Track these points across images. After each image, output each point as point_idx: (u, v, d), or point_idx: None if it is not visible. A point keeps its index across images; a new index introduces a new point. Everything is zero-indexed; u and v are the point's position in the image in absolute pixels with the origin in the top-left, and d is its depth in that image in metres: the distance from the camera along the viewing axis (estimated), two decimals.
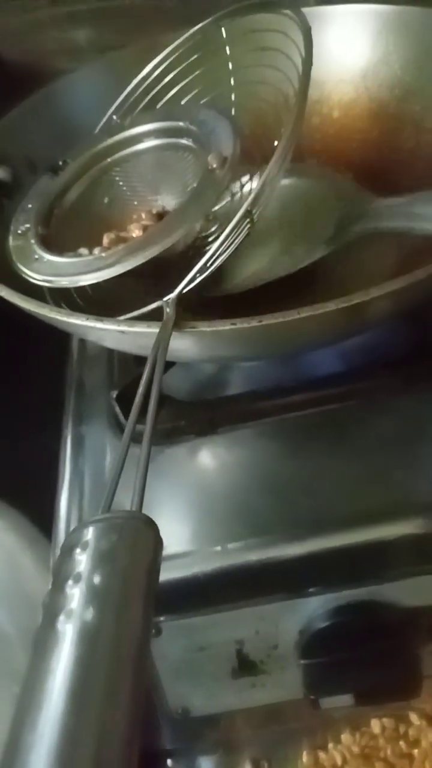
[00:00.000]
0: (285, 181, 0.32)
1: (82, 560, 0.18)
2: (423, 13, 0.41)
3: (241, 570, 0.31)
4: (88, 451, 0.38)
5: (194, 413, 0.37)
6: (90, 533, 0.19)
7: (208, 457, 0.36)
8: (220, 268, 0.29)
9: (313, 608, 0.33)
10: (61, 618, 0.17)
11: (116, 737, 0.16)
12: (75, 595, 0.18)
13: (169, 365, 0.38)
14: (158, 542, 0.20)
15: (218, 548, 0.32)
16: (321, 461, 0.34)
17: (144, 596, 0.18)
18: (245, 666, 0.35)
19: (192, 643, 0.34)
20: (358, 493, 0.33)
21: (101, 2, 0.57)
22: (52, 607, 0.18)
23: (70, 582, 0.18)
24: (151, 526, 0.20)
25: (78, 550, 0.19)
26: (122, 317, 0.26)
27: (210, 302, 0.29)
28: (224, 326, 0.25)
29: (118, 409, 0.37)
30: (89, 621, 0.17)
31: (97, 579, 0.18)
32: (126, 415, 0.37)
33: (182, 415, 0.37)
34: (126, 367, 0.41)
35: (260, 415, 0.37)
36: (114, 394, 0.37)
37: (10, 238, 0.34)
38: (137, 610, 0.18)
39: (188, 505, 0.34)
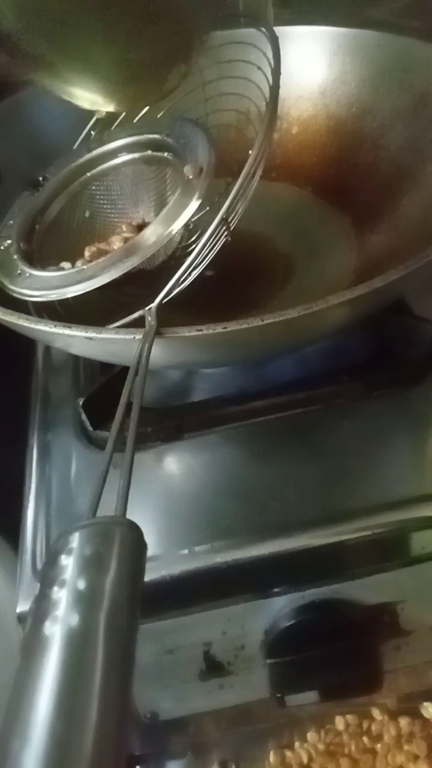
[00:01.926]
0: None
1: (68, 566, 0.19)
2: (377, 37, 0.43)
3: (208, 572, 0.32)
4: (55, 459, 0.38)
5: (161, 420, 0.38)
6: (75, 539, 0.19)
7: (175, 463, 0.37)
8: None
9: (278, 608, 0.34)
10: (47, 623, 0.17)
11: (105, 741, 0.16)
12: (61, 600, 0.18)
13: None
14: (142, 546, 0.20)
15: (185, 551, 0.32)
16: (285, 465, 0.35)
17: (129, 600, 0.18)
18: (213, 667, 0.35)
19: (160, 647, 0.34)
20: (321, 495, 0.34)
21: None
22: (39, 612, 0.18)
23: (55, 588, 0.18)
24: (135, 530, 0.20)
25: (63, 556, 0.19)
26: (107, 327, 0.27)
27: (174, 309, 0.29)
28: (191, 332, 0.25)
29: (84, 417, 0.38)
30: (75, 626, 0.17)
31: (81, 584, 0.18)
32: (92, 422, 0.38)
33: (149, 422, 0.37)
34: (92, 376, 0.41)
35: (226, 420, 0.38)
36: (81, 401, 0.38)
37: None
38: (123, 614, 0.18)
39: (155, 509, 0.35)
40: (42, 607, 0.18)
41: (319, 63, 0.44)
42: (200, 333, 0.25)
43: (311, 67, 0.44)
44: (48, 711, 0.16)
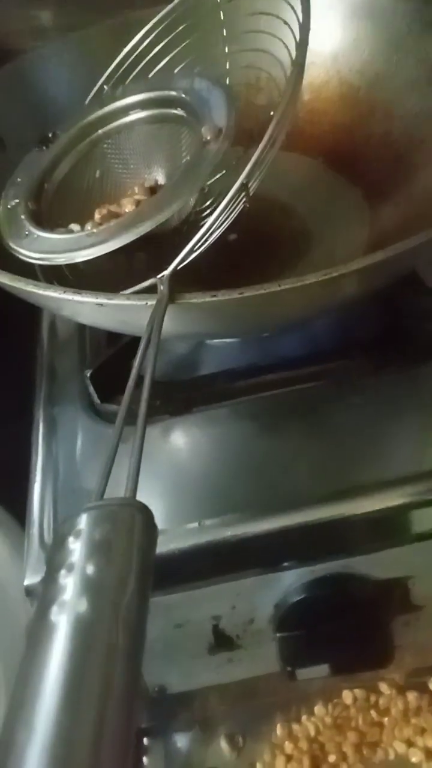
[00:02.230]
0: None
1: (76, 549, 0.18)
2: (394, 1, 0.42)
3: (218, 546, 0.32)
4: (61, 434, 0.38)
5: (169, 393, 0.37)
6: (83, 521, 0.18)
7: (184, 437, 0.37)
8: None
9: (288, 582, 0.33)
10: (54, 609, 0.17)
11: (113, 732, 0.15)
12: (68, 585, 0.17)
13: None
14: (153, 529, 0.19)
15: (195, 525, 0.32)
16: (295, 439, 0.35)
17: (139, 585, 0.18)
18: (222, 642, 0.35)
19: (169, 621, 0.34)
20: (331, 469, 0.34)
21: None
22: (45, 597, 0.17)
23: (63, 572, 0.18)
24: (146, 513, 0.19)
25: (71, 539, 0.18)
26: (118, 294, 0.26)
27: (183, 277, 0.28)
28: (205, 298, 0.25)
29: (92, 389, 0.37)
30: (83, 612, 0.17)
31: (90, 569, 0.17)
32: (100, 394, 0.37)
33: (157, 395, 0.37)
34: (98, 348, 0.41)
35: (234, 394, 0.37)
36: (88, 373, 0.37)
37: (0, 214, 0.32)
38: (132, 600, 0.17)
39: (164, 483, 0.34)
40: (49, 591, 0.17)
41: (333, 27, 0.43)
42: (215, 299, 0.25)
43: (324, 32, 0.43)
44: (54, 702, 0.15)
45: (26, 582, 0.31)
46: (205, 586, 0.33)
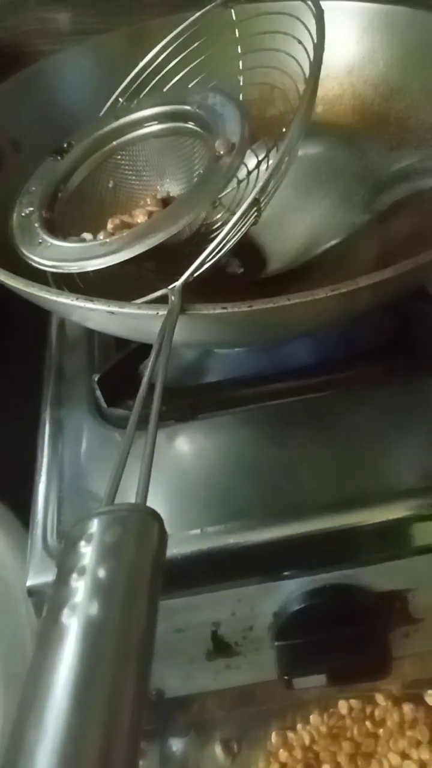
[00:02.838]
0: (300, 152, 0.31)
1: (87, 553, 0.18)
2: (409, 14, 0.42)
3: (219, 553, 0.32)
4: (67, 436, 0.38)
5: (175, 399, 0.37)
6: (95, 526, 0.19)
7: (189, 443, 0.37)
8: (258, 251, 0.28)
9: (289, 591, 0.34)
10: (66, 611, 0.17)
11: (122, 734, 0.15)
12: (79, 588, 0.17)
13: (150, 350, 0.39)
14: (163, 535, 0.19)
15: (197, 531, 0.32)
16: (300, 448, 0.35)
17: (149, 590, 0.18)
18: (220, 648, 0.35)
19: (169, 625, 0.34)
20: (336, 479, 0.34)
21: None
22: (56, 600, 0.18)
23: (74, 575, 0.18)
24: (156, 518, 0.20)
25: (82, 543, 0.18)
26: (129, 303, 0.26)
27: (202, 289, 0.29)
28: (215, 310, 0.25)
29: (99, 393, 0.37)
30: (94, 615, 0.17)
31: (102, 572, 0.18)
32: (108, 400, 0.38)
33: (164, 401, 0.36)
34: (107, 352, 0.41)
35: (241, 402, 0.37)
36: (96, 378, 0.37)
37: (13, 221, 0.33)
38: (142, 604, 0.18)
39: (168, 489, 0.34)
40: (60, 594, 0.18)
41: (347, 40, 0.43)
42: (224, 311, 0.25)
43: (339, 45, 0.43)
44: (64, 702, 0.15)
45: (29, 583, 0.32)
46: (206, 593, 0.33)
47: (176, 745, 0.40)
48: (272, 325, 0.28)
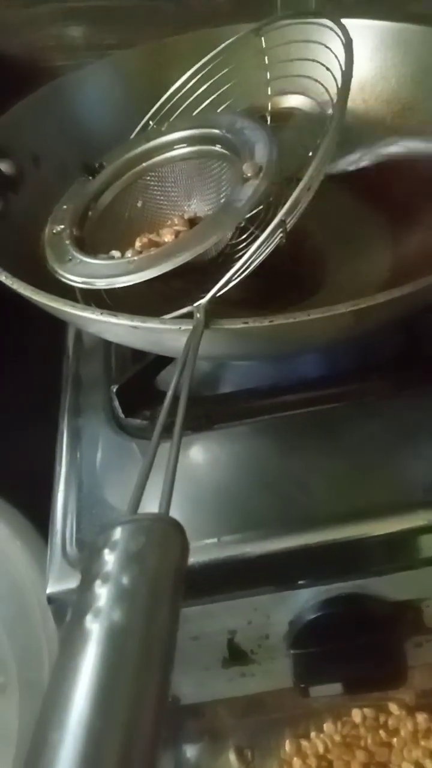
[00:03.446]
0: None
1: (111, 560, 0.19)
2: (421, 31, 0.43)
3: (236, 562, 0.32)
4: (85, 445, 0.39)
5: (191, 409, 0.38)
6: (118, 534, 0.19)
7: (204, 453, 0.37)
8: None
9: (304, 600, 0.34)
10: (89, 617, 0.17)
11: (142, 738, 0.16)
12: (103, 594, 0.18)
13: (167, 362, 0.39)
14: (185, 545, 0.20)
15: (214, 540, 0.33)
16: (315, 459, 0.36)
17: (171, 598, 0.19)
18: (236, 656, 0.36)
19: (185, 633, 0.34)
20: (349, 490, 0.34)
21: (100, 2, 0.57)
22: (80, 605, 0.18)
23: (98, 581, 0.18)
24: (179, 529, 0.20)
25: (107, 551, 0.19)
26: (151, 318, 0.27)
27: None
28: (236, 325, 0.26)
29: (117, 404, 0.38)
30: (117, 621, 0.17)
31: (125, 579, 0.18)
32: (125, 410, 0.38)
33: (175, 411, 0.38)
34: (123, 363, 0.42)
35: (255, 413, 0.38)
36: (114, 388, 0.38)
37: (45, 238, 0.34)
38: (164, 612, 0.18)
39: (184, 498, 0.35)
40: (84, 600, 0.18)
41: (359, 58, 0.44)
42: (246, 326, 0.26)
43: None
44: (87, 705, 0.16)
45: (49, 590, 0.32)
46: (222, 601, 0.33)
47: (190, 751, 0.40)
48: (292, 339, 0.28)
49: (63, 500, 0.36)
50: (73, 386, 0.42)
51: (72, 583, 0.32)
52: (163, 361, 0.39)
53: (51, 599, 0.32)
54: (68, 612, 0.19)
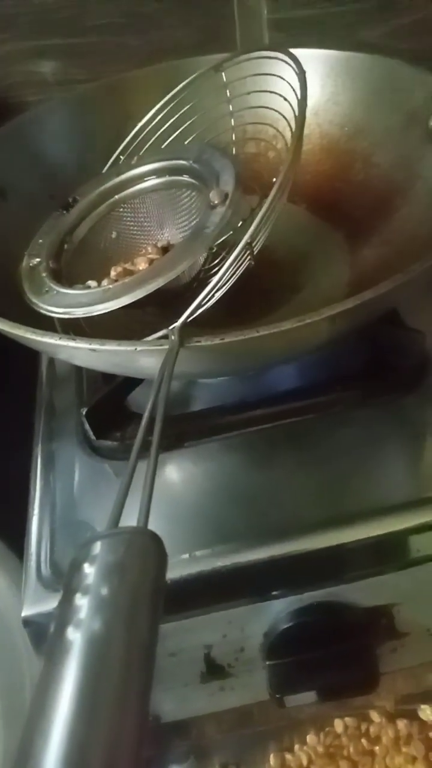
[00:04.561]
0: None
1: (91, 573, 0.19)
2: (368, 59, 0.45)
3: (209, 576, 0.33)
4: (59, 468, 0.39)
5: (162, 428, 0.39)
6: (98, 548, 0.20)
7: (176, 470, 0.38)
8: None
9: (278, 611, 0.35)
10: (70, 628, 0.18)
11: (125, 743, 0.16)
12: (83, 606, 0.18)
13: (135, 383, 0.40)
14: (163, 556, 0.21)
15: (186, 556, 0.33)
16: (284, 471, 0.36)
17: (151, 607, 0.19)
18: (214, 670, 0.36)
19: (162, 649, 0.35)
20: (319, 500, 0.35)
21: (68, 39, 0.59)
22: (62, 618, 0.19)
23: (78, 594, 0.19)
24: (157, 540, 0.21)
25: (86, 565, 0.19)
26: (109, 341, 0.28)
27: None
28: (190, 344, 0.27)
29: (87, 426, 0.39)
30: (97, 630, 0.18)
31: (104, 590, 0.19)
32: (96, 432, 0.39)
33: (151, 431, 0.38)
34: (95, 386, 0.42)
35: (225, 429, 0.39)
36: (84, 411, 0.39)
37: (21, 272, 0.35)
38: (144, 620, 0.19)
39: (157, 514, 0.34)
40: (65, 612, 0.19)
41: (312, 84, 0.46)
42: (199, 344, 0.27)
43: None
44: (70, 712, 0.16)
45: (24, 613, 0.33)
46: (197, 615, 0.34)
47: None
48: (245, 355, 0.29)
49: (37, 523, 0.37)
50: (46, 413, 0.43)
51: (47, 605, 0.33)
52: (131, 383, 0.40)
53: (27, 622, 0.33)
54: (51, 625, 0.19)
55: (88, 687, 0.17)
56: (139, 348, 0.27)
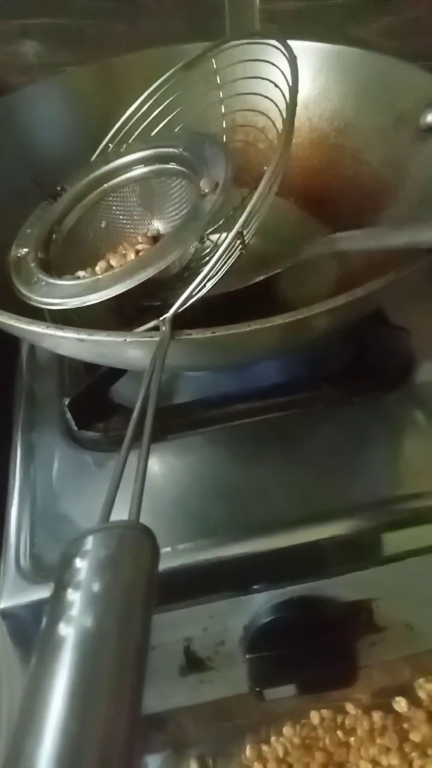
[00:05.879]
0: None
1: (82, 568, 0.19)
2: (360, 55, 0.45)
3: (190, 570, 0.33)
4: (39, 459, 0.39)
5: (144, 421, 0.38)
6: (89, 542, 0.19)
7: (159, 463, 0.38)
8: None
9: (258, 605, 0.35)
10: (62, 624, 0.18)
11: (118, 739, 0.16)
12: (75, 601, 0.18)
13: (119, 375, 0.40)
14: (156, 550, 0.20)
15: (168, 549, 0.33)
16: (267, 466, 0.37)
17: (143, 602, 0.19)
18: (193, 663, 0.36)
19: None
20: (301, 495, 0.35)
21: (53, 19, 0.58)
22: (53, 613, 0.18)
23: (70, 589, 0.18)
24: (149, 535, 0.20)
25: (78, 559, 0.19)
26: (97, 331, 0.27)
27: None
28: (180, 336, 0.26)
29: (69, 416, 0.38)
30: (89, 626, 0.17)
31: (96, 586, 0.18)
32: (78, 423, 0.38)
33: (140, 422, 0.38)
34: (77, 376, 0.42)
35: (209, 422, 0.39)
36: (66, 401, 0.38)
37: (9, 262, 0.34)
38: (136, 615, 0.18)
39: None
40: (57, 608, 0.18)
41: (303, 78, 0.45)
42: (189, 337, 0.26)
43: None
44: (62, 710, 0.16)
45: (2, 605, 0.32)
46: (178, 609, 0.34)
47: (153, 763, 0.40)
48: (234, 349, 0.29)
49: (17, 514, 0.36)
50: (26, 402, 0.42)
51: (26, 597, 0.32)
52: (115, 374, 0.39)
53: (5, 614, 0.32)
54: (42, 622, 0.19)
55: (81, 683, 0.17)
56: (129, 339, 0.26)
